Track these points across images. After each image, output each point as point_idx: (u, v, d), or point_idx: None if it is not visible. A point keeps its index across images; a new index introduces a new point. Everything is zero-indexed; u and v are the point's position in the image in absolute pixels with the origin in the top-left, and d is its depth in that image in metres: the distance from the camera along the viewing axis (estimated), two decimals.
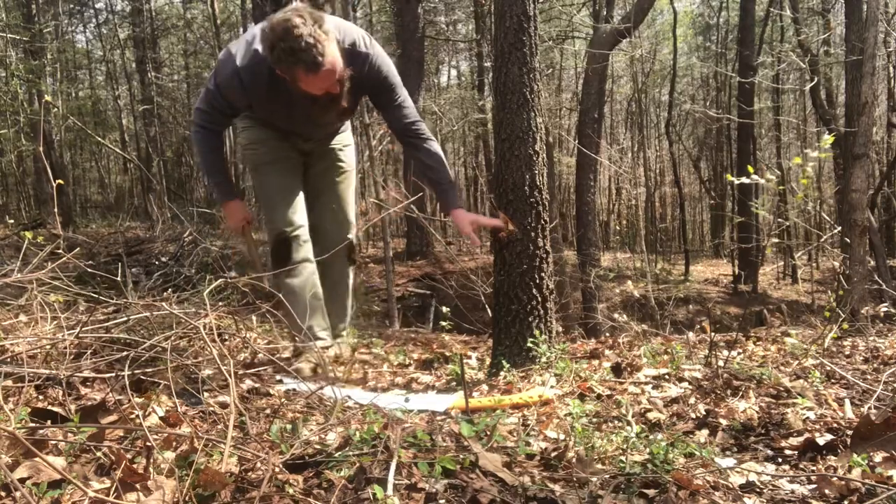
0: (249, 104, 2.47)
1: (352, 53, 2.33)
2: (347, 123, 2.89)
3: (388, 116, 2.54)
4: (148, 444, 1.26)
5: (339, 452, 1.38)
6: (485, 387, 2.26)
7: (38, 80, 11.18)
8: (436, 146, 2.54)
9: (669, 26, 15.71)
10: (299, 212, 2.65)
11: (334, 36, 2.20)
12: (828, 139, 2.76)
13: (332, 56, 2.15)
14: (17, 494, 1.07)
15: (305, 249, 2.65)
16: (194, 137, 2.60)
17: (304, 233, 2.65)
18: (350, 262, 2.90)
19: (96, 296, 2.38)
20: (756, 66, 13.18)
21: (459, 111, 16.50)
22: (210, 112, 2.50)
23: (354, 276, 2.95)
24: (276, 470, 1.26)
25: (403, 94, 2.50)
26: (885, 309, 3.53)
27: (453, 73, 23.73)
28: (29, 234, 2.68)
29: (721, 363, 2.27)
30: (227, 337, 2.49)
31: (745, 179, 2.66)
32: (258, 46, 2.28)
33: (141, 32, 14.67)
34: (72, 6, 17.47)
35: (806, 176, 2.72)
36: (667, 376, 2.20)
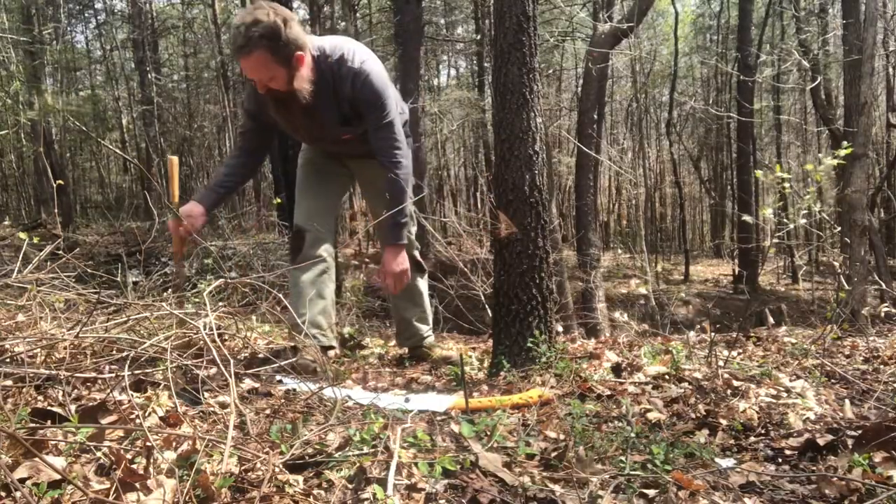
0: (259, 110, 2.58)
1: (337, 67, 2.42)
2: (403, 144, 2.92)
3: (369, 134, 2.57)
4: (148, 444, 1.26)
5: (339, 452, 1.38)
6: (485, 387, 2.25)
7: (39, 81, 11.18)
8: (399, 180, 2.53)
9: (670, 27, 15.72)
10: (320, 213, 2.75)
11: (299, 42, 2.30)
12: (843, 150, 2.75)
13: (265, 54, 2.25)
14: (17, 494, 1.07)
15: (320, 248, 2.72)
16: None
17: (319, 232, 2.73)
18: (417, 271, 2.99)
19: (96, 295, 2.37)
20: (756, 66, 13.17)
21: (459, 111, 16.50)
22: (239, 131, 2.70)
23: (426, 282, 3.07)
24: (276, 470, 1.26)
25: (385, 120, 2.50)
26: (886, 309, 3.53)
27: (453, 73, 23.74)
28: (24, 235, 2.67)
29: (721, 363, 2.27)
30: (227, 337, 2.49)
31: (770, 176, 2.65)
32: None
33: (140, 34, 14.68)
34: (71, 6, 17.47)
35: (815, 183, 2.72)
36: (667, 376, 2.20)
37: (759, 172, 2.73)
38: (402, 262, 2.59)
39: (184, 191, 16.63)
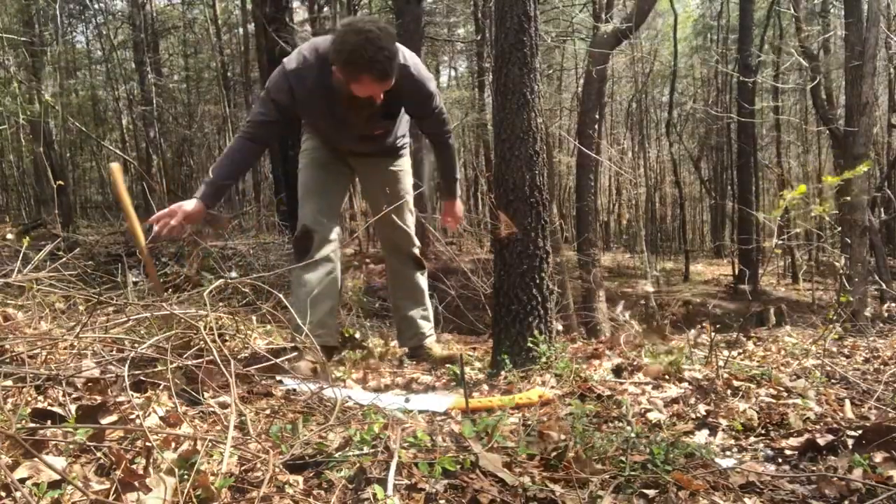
0: (294, 105, 2.57)
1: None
2: (406, 150, 3.01)
3: (423, 124, 2.76)
4: (148, 444, 1.26)
5: (340, 453, 1.38)
6: (485, 387, 2.25)
7: (38, 81, 11.18)
8: (454, 147, 2.88)
9: (670, 28, 15.73)
10: (328, 213, 2.78)
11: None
12: (856, 171, 2.74)
13: (396, 72, 2.37)
14: (17, 494, 1.07)
15: (327, 248, 2.73)
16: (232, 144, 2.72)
17: (327, 232, 2.74)
18: (418, 268, 3.04)
19: (96, 296, 2.37)
20: (756, 66, 13.17)
21: (459, 111, 16.50)
22: (255, 120, 2.61)
23: (426, 280, 3.13)
24: (276, 470, 1.26)
25: (439, 104, 2.68)
26: (888, 310, 3.52)
27: (453, 73, 23.75)
28: (12, 235, 2.64)
29: (721, 363, 2.27)
30: (227, 337, 2.49)
31: (793, 195, 2.62)
32: (307, 54, 2.51)
33: (139, 35, 14.68)
34: (71, 6, 17.46)
35: (817, 197, 2.71)
36: (667, 376, 2.20)
37: (774, 172, 2.71)
38: (461, 209, 3.02)
39: (184, 191, 16.64)
